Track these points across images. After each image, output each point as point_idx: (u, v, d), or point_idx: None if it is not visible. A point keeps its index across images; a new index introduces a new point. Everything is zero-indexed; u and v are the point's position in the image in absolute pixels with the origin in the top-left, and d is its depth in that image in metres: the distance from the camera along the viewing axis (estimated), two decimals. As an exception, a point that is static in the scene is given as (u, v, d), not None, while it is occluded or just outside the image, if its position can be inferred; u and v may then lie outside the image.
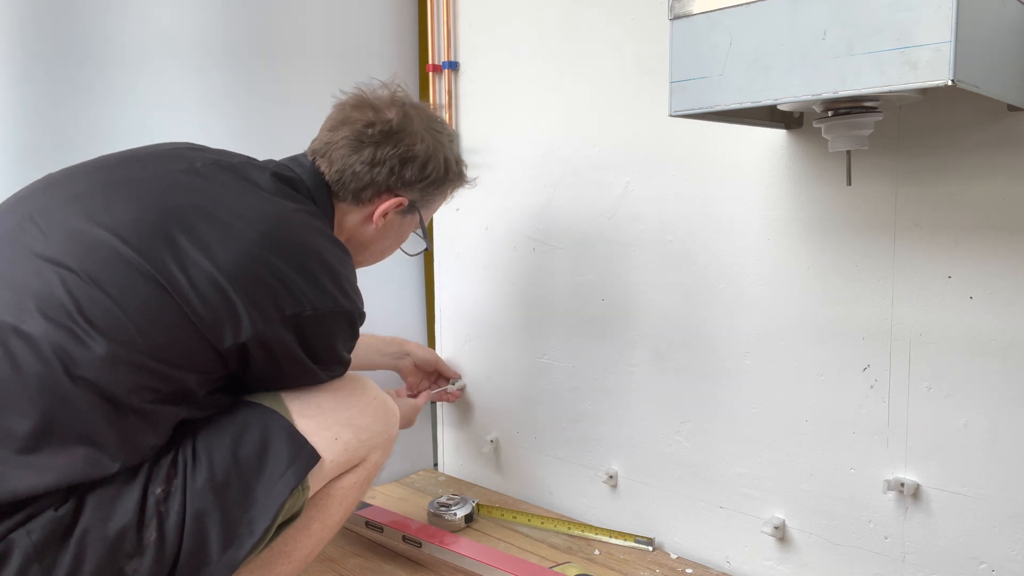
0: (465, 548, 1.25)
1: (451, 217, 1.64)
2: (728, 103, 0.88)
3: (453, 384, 1.61)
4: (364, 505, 1.41)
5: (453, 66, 1.58)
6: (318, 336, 0.97)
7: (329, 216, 1.09)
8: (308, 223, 0.99)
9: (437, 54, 1.60)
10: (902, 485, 1.05)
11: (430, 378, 1.59)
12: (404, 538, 1.30)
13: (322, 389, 1.03)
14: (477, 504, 1.46)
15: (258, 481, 0.93)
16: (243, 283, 0.88)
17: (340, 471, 1.04)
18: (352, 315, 0.99)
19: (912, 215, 1.02)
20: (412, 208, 1.13)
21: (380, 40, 1.62)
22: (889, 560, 1.08)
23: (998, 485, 0.99)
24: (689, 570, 1.26)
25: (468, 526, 1.43)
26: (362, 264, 1.18)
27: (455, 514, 1.42)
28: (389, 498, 1.57)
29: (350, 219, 1.11)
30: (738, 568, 1.25)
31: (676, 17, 0.91)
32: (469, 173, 1.22)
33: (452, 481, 1.68)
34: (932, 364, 1.02)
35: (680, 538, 1.32)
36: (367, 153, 1.07)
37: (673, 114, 0.93)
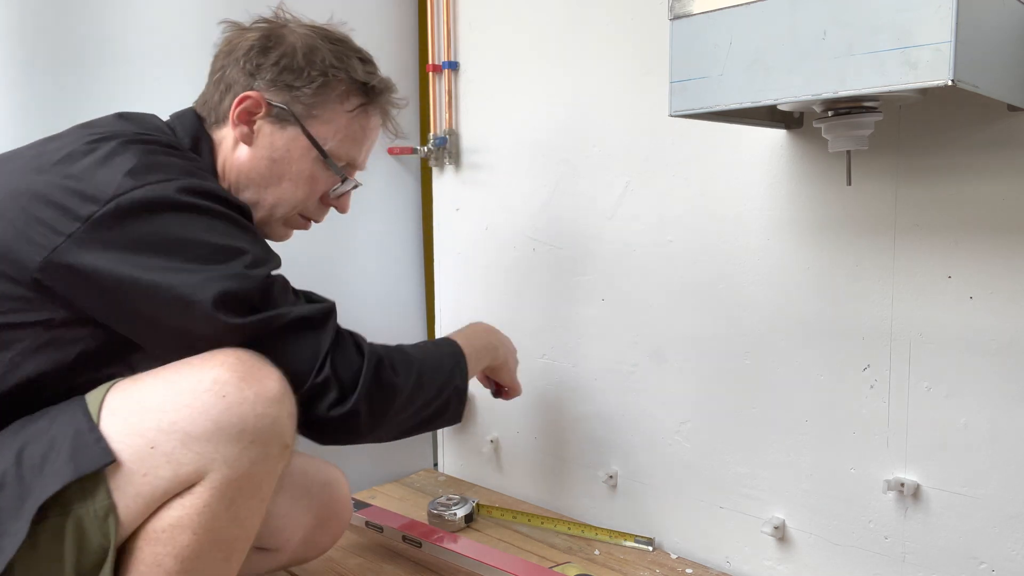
0: (465, 548, 1.25)
1: (451, 217, 1.64)
2: (728, 103, 0.88)
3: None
4: (364, 505, 1.41)
5: (453, 66, 1.58)
6: (150, 234, 0.79)
7: (199, 151, 0.96)
8: (114, 131, 0.87)
9: (437, 54, 1.60)
10: (902, 485, 1.05)
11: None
12: (404, 538, 1.30)
13: (159, 381, 0.82)
14: (477, 504, 1.46)
15: (32, 489, 0.76)
16: (17, 206, 0.80)
17: (169, 490, 0.81)
18: (192, 191, 0.82)
19: (912, 215, 1.02)
20: (287, 116, 0.96)
21: (380, 40, 1.61)
22: (889, 560, 1.09)
23: (998, 485, 0.99)
24: (689, 570, 1.26)
25: (468, 526, 1.43)
26: (271, 211, 1.00)
27: (455, 514, 1.42)
28: (389, 498, 1.57)
29: (226, 145, 0.98)
30: (738, 568, 1.25)
31: (676, 17, 0.91)
32: (383, 82, 1.02)
33: (452, 481, 1.68)
34: (932, 364, 1.02)
35: (680, 538, 1.32)
36: (219, 59, 0.99)
37: (673, 114, 0.93)
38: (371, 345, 0.95)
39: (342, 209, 1.07)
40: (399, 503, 1.54)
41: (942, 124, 0.99)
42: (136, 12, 1.29)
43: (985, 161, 0.96)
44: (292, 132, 0.97)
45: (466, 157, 1.59)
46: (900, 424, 1.06)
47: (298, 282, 1.52)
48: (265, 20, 1.00)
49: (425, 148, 1.61)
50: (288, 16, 1.01)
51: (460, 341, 1.09)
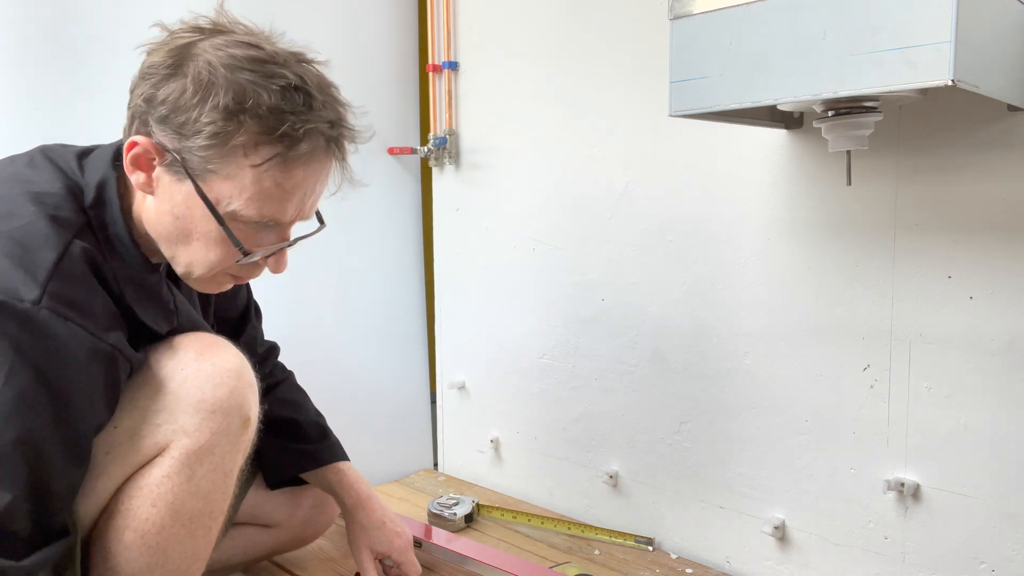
0: (465, 548, 1.25)
1: (451, 217, 1.64)
2: (728, 103, 0.88)
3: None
4: (364, 505, 1.41)
5: (453, 66, 1.58)
6: None
7: (103, 200, 0.82)
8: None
9: (437, 54, 1.61)
10: (902, 485, 1.05)
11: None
12: (404, 538, 1.30)
13: None
14: (477, 504, 1.46)
15: None
16: None
17: (133, 465, 0.85)
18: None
19: (912, 215, 1.02)
20: (177, 166, 0.78)
21: (380, 40, 1.62)
22: (889, 560, 1.09)
23: (998, 485, 0.99)
24: (689, 570, 1.26)
25: (468, 526, 1.43)
26: (188, 269, 0.85)
27: (455, 514, 1.42)
28: (389, 498, 1.56)
29: (134, 186, 0.83)
30: (738, 568, 1.25)
31: (676, 17, 0.91)
32: (310, 123, 0.77)
33: (452, 481, 1.68)
34: (932, 364, 1.02)
35: (680, 538, 1.32)
36: (135, 78, 0.81)
37: (673, 114, 0.93)
38: None
39: (274, 269, 0.88)
40: (399, 503, 1.54)
41: (942, 124, 0.99)
42: (128, 8, 1.29)
43: (985, 161, 0.96)
44: (188, 188, 0.79)
45: (466, 157, 1.59)
46: (900, 424, 1.06)
47: (298, 282, 1.52)
48: (196, 28, 0.80)
49: (425, 148, 1.61)
50: (228, 19, 0.82)
51: None
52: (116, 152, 0.84)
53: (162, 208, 0.81)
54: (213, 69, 0.75)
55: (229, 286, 0.89)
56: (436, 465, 1.77)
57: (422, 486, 1.64)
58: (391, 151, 1.64)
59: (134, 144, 0.78)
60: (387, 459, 1.69)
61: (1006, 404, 0.97)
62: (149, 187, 0.80)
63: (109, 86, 1.27)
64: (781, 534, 1.18)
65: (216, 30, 0.80)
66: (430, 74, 1.61)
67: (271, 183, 0.78)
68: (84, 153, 0.87)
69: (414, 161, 1.71)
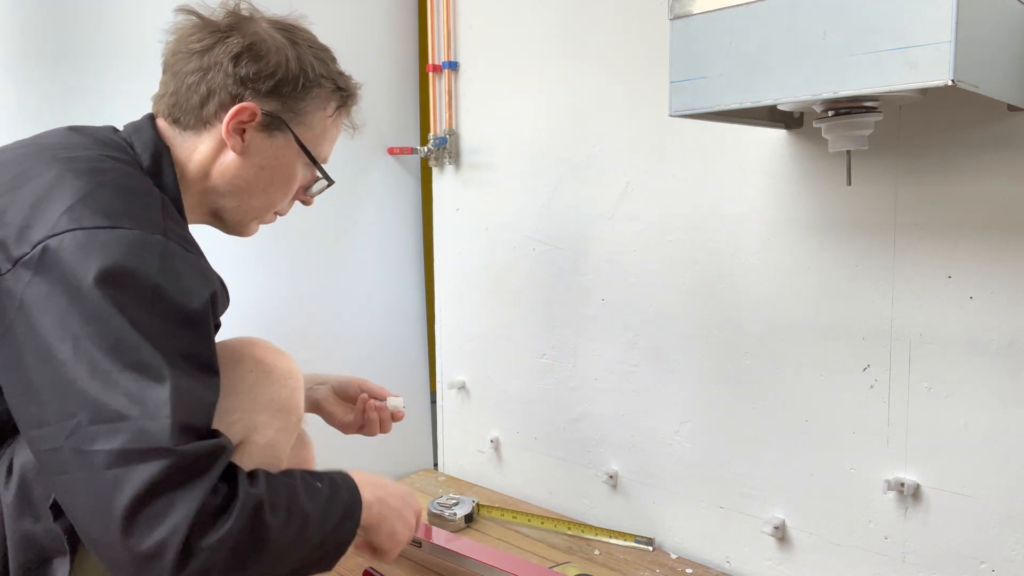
0: (465, 548, 1.25)
1: (451, 217, 1.64)
2: (728, 103, 0.88)
3: (391, 404, 1.18)
4: (364, 505, 1.41)
5: (453, 66, 1.58)
6: (55, 292, 0.72)
7: (160, 168, 0.91)
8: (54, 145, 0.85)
9: (437, 54, 1.61)
10: (902, 485, 1.05)
11: (356, 404, 1.21)
12: (404, 538, 1.30)
13: None
14: (477, 504, 1.46)
15: None
16: None
17: None
18: (140, 237, 0.76)
19: (912, 215, 1.02)
20: (277, 123, 0.94)
21: (380, 40, 1.62)
22: (889, 560, 1.09)
23: (998, 485, 0.99)
24: (689, 570, 1.26)
25: (468, 526, 1.43)
26: (254, 214, 0.99)
27: (455, 514, 1.42)
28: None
29: (202, 151, 0.93)
30: (738, 568, 1.25)
31: (676, 17, 0.91)
32: (353, 82, 1.02)
33: (452, 481, 1.68)
34: (932, 364, 1.02)
35: (680, 538, 1.32)
36: (195, 61, 0.92)
37: (673, 114, 0.93)
38: (249, 489, 0.77)
39: (309, 203, 1.06)
40: (399, 503, 1.54)
41: (942, 124, 0.99)
42: (126, 9, 1.29)
43: (985, 161, 0.96)
44: (282, 140, 0.95)
45: (466, 157, 1.60)
46: (900, 424, 1.06)
47: (298, 281, 1.52)
48: (229, 13, 0.94)
49: (425, 148, 1.61)
50: (253, 7, 0.97)
51: (366, 495, 0.93)
52: (152, 127, 0.94)
53: (249, 163, 0.94)
54: (294, 46, 0.94)
55: (258, 228, 1.04)
56: (436, 465, 1.77)
57: (422, 486, 1.64)
58: (391, 151, 1.64)
59: (242, 109, 0.91)
60: (387, 459, 1.69)
61: (1006, 404, 0.97)
62: (240, 147, 0.93)
63: (104, 86, 1.28)
64: (781, 534, 1.18)
65: (260, 17, 0.96)
66: (430, 74, 1.61)
67: (334, 129, 1.01)
68: (115, 130, 0.95)
69: (414, 161, 1.71)
